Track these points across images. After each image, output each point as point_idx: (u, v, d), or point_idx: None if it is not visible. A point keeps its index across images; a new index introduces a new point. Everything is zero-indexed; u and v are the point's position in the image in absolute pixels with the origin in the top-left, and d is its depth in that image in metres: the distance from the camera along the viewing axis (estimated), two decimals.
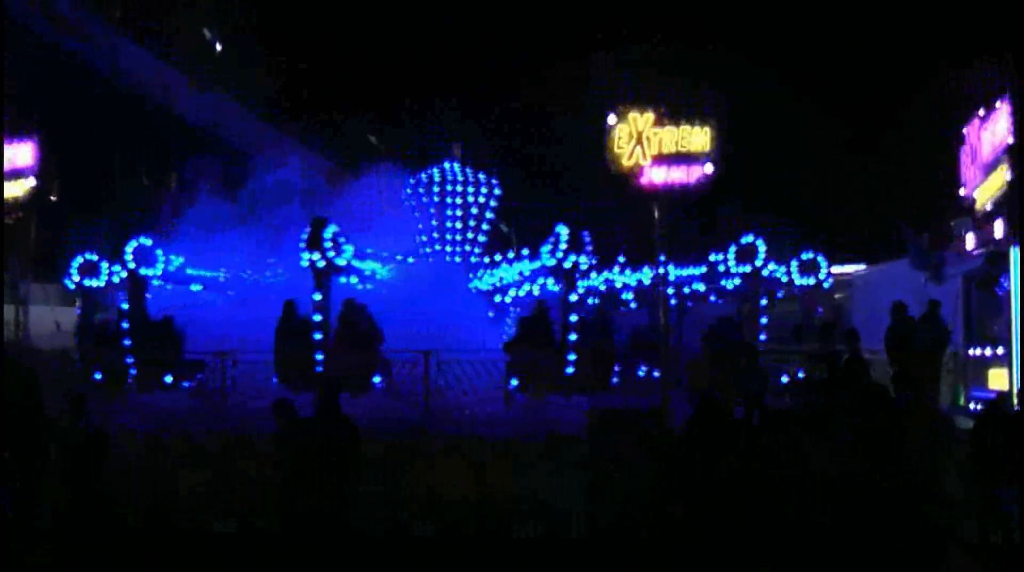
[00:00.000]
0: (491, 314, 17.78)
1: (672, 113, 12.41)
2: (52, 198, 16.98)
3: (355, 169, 22.83)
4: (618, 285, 17.78)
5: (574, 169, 23.05)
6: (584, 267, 14.69)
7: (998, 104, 14.11)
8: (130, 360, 15.34)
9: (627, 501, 10.44)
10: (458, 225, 20.27)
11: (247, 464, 11.22)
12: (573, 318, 14.25)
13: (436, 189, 20.20)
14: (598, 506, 10.83)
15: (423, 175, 20.43)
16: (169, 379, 15.19)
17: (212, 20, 35.98)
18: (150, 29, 32.61)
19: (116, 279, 16.19)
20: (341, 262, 14.57)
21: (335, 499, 8.44)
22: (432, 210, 20.24)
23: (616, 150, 12.31)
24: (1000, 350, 13.88)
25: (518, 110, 30.14)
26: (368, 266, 16.40)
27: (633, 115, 12.35)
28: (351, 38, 36.73)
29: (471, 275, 18.65)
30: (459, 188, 20.19)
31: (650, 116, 12.35)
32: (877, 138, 27.37)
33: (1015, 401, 11.30)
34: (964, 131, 15.59)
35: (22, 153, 15.93)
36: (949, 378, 14.52)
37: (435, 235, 20.31)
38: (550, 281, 15.88)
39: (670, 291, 15.15)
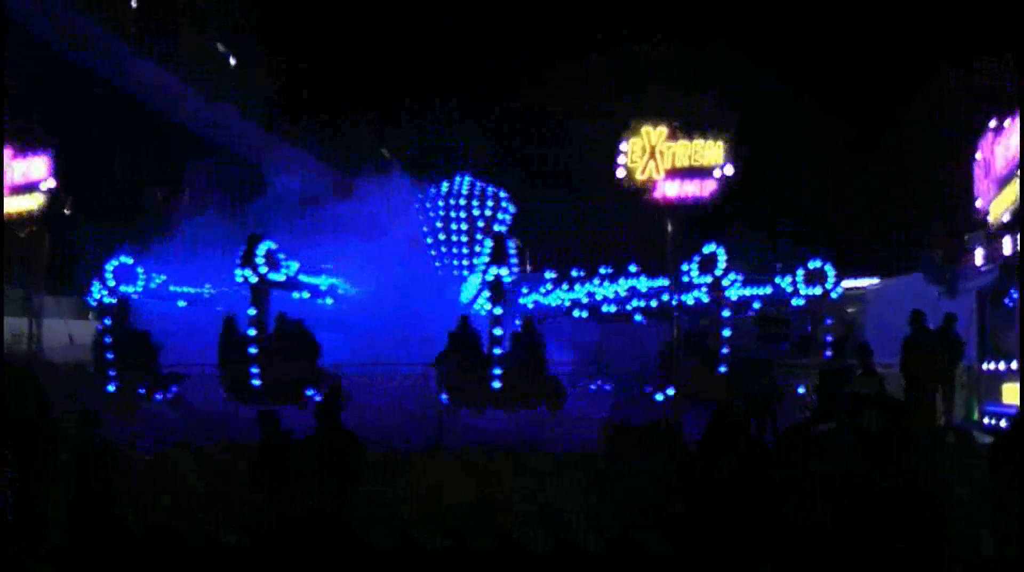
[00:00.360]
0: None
1: (685, 127, 12.44)
2: (66, 211, 17.05)
3: (367, 179, 22.87)
4: (598, 297, 17.29)
5: (587, 178, 22.91)
6: (508, 279, 14.28)
7: (1006, 123, 14.11)
8: (112, 373, 15.28)
9: (641, 513, 10.37)
10: (463, 238, 20.33)
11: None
12: (498, 332, 13.92)
13: (441, 202, 20.36)
14: (612, 520, 10.77)
15: (431, 189, 20.53)
16: (142, 391, 15.15)
17: (222, 32, 36.34)
18: (161, 42, 32.90)
19: (152, 285, 16.14)
20: (278, 278, 14.62)
21: (336, 510, 8.42)
22: (439, 224, 20.37)
23: (630, 164, 12.34)
24: (1014, 365, 13.79)
25: (530, 124, 30.31)
26: (324, 281, 16.54)
27: (646, 129, 12.39)
28: (361, 49, 37.09)
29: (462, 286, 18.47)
30: (463, 202, 20.30)
31: (663, 130, 12.38)
32: (892, 151, 27.27)
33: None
34: (978, 144, 15.58)
35: (36, 166, 16.06)
36: (964, 392, 14.41)
37: (442, 250, 20.42)
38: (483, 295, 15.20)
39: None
